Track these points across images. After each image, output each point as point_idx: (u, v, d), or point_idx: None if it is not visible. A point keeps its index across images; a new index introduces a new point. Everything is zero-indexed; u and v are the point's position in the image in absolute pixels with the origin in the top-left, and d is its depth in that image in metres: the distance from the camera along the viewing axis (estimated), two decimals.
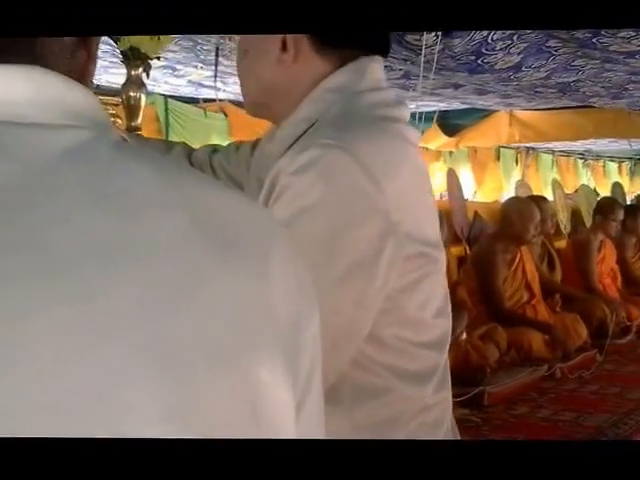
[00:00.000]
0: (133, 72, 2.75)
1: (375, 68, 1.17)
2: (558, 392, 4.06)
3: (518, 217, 4.87)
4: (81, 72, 0.59)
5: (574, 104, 6.01)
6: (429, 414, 1.14)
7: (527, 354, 4.47)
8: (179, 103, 5.41)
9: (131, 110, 2.78)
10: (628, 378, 4.32)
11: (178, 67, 4.35)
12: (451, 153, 8.06)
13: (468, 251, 5.49)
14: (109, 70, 4.11)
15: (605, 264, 5.86)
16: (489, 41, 3.77)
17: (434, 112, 5.36)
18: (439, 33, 3.22)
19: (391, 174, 1.06)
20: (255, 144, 1.42)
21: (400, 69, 4.38)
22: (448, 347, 1.21)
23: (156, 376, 0.45)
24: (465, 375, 3.84)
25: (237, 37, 3.66)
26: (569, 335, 4.71)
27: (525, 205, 5.06)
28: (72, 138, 0.51)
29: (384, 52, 1.21)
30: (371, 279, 1.04)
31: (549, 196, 6.97)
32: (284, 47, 1.14)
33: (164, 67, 3.97)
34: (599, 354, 4.64)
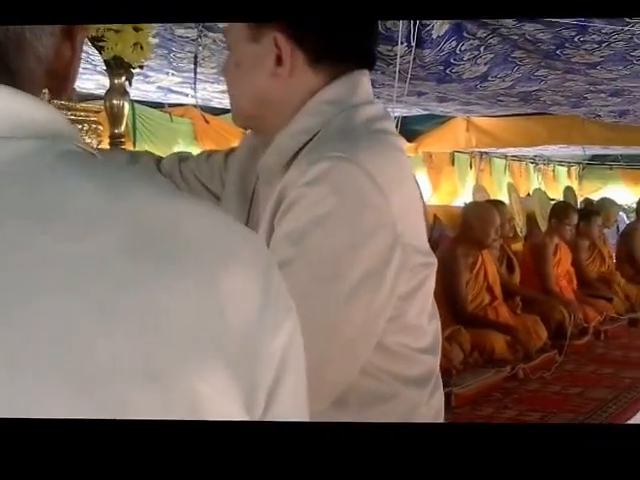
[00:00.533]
0: (116, 81, 2.75)
1: (365, 82, 1.21)
2: (521, 393, 4.12)
3: (479, 222, 4.93)
4: (66, 68, 0.59)
5: (534, 112, 6.12)
6: (427, 415, 1.19)
7: (490, 355, 4.53)
8: (146, 108, 5.39)
9: (114, 118, 2.79)
10: (588, 378, 4.41)
11: (150, 74, 4.34)
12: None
13: None
14: (82, 76, 4.08)
15: (561, 267, 5.97)
16: (457, 52, 3.82)
17: (396, 118, 5.42)
18: (413, 44, 3.26)
19: (396, 186, 1.10)
20: (228, 154, 1.42)
21: None
22: (440, 349, 1.25)
23: (80, 392, 0.43)
24: None
25: (221, 47, 3.63)
26: (530, 336, 4.80)
27: (486, 210, 5.13)
28: (14, 150, 0.49)
29: (371, 66, 1.24)
30: (380, 289, 1.07)
31: (504, 199, 7.08)
32: (279, 61, 1.16)
33: (136, 74, 3.97)
34: (559, 355, 4.73)
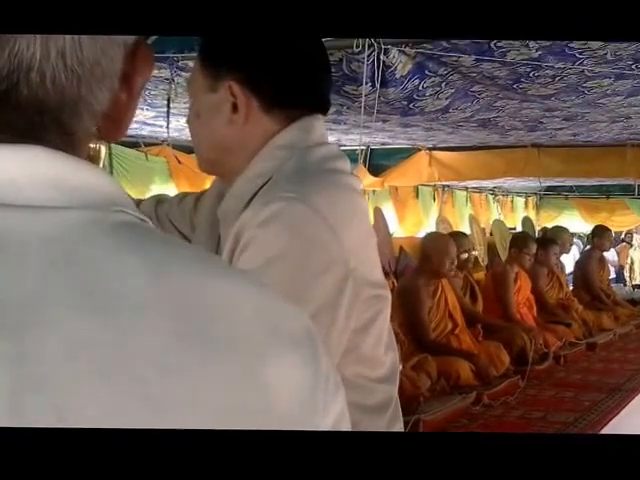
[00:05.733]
0: None
1: (318, 126, 1.22)
2: (487, 418, 4.04)
3: (436, 251, 4.87)
4: (121, 114, 0.55)
5: (493, 137, 6.16)
6: None
7: (456, 382, 4.46)
8: (122, 147, 5.36)
9: (91, 159, 2.70)
10: (550, 402, 4.33)
11: None
12: (374, 192, 8.12)
13: (396, 284, 5.50)
14: None
15: (521, 294, 5.94)
16: (420, 88, 3.83)
17: (360, 152, 5.39)
18: (377, 84, 3.24)
19: (346, 223, 1.10)
20: (198, 197, 1.43)
21: (332, 104, 4.41)
22: (398, 378, 1.26)
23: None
24: (400, 404, 3.80)
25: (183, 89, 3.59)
26: (493, 362, 4.74)
27: (442, 240, 5.09)
28: (69, 221, 0.46)
29: (325, 110, 1.25)
30: (334, 323, 1.06)
31: (466, 230, 7.08)
32: (235, 109, 1.17)
33: None
34: (521, 380, 4.66)
